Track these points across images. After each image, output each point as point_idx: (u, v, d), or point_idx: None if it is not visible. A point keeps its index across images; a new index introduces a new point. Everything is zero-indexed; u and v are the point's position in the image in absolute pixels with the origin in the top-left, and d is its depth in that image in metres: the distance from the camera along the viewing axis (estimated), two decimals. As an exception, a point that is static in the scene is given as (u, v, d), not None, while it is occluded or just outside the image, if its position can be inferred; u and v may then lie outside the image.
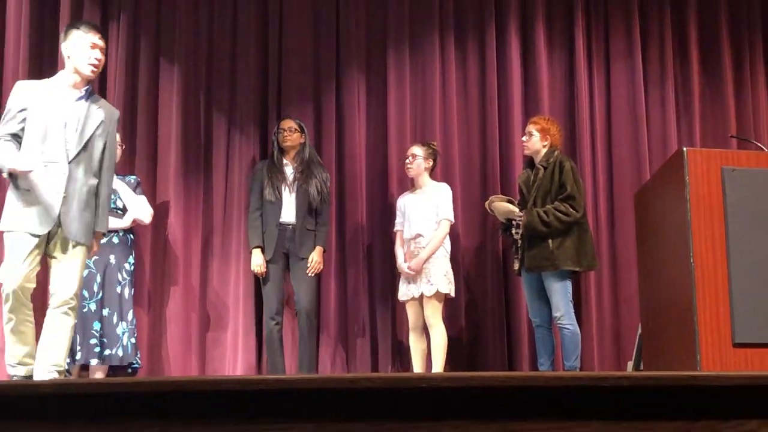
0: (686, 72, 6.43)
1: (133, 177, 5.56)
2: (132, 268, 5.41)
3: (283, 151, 5.63)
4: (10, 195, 4.03)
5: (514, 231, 5.24)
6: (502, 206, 5.31)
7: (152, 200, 5.84)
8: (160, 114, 5.98)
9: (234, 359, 5.74)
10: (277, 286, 5.50)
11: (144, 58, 6.02)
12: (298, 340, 5.48)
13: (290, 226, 5.48)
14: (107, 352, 5.14)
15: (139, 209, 5.40)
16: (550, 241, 5.08)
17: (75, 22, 4.37)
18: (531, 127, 5.38)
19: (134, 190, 5.43)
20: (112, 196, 5.00)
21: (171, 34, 6.05)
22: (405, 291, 5.48)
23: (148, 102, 5.97)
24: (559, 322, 5.12)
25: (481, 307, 6.07)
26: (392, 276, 5.84)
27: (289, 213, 5.48)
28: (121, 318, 5.24)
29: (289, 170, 5.58)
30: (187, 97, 6.01)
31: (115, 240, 5.31)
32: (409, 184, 5.83)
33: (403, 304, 5.60)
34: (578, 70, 6.30)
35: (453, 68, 6.25)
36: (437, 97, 6.19)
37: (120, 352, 5.17)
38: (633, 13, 6.40)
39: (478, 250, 6.14)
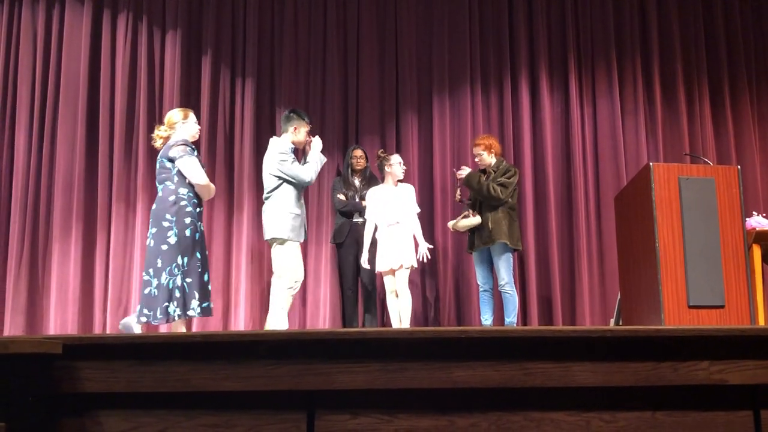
0: (652, 105, 6.29)
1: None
2: None
3: (354, 171, 5.70)
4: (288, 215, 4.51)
5: (471, 213, 5.07)
6: (464, 223, 5.09)
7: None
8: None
9: (324, 317, 5.79)
10: (351, 266, 5.53)
11: (266, 105, 6.17)
12: (363, 301, 5.51)
13: (360, 222, 5.51)
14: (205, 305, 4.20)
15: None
16: (489, 224, 4.95)
17: (301, 113, 4.77)
18: (478, 149, 5.16)
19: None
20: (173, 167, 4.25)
21: (280, 87, 6.13)
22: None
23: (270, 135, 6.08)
24: (502, 288, 4.98)
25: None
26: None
27: (358, 215, 5.52)
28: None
29: (357, 184, 5.66)
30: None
31: None
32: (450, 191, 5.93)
33: (446, 272, 5.49)
34: (572, 105, 6.22)
35: (480, 109, 6.21)
36: (468, 131, 6.15)
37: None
38: (612, 62, 6.29)
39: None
